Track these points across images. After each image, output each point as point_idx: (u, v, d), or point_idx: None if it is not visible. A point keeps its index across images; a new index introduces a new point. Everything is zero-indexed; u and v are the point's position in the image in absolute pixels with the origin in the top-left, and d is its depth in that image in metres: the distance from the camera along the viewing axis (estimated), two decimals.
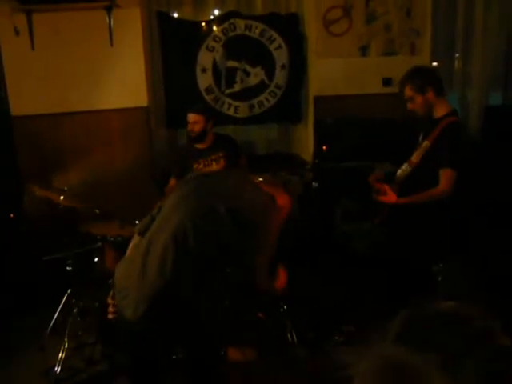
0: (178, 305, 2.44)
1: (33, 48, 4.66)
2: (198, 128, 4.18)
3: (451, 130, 3.22)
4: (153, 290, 2.39)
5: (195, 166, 4.25)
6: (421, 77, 3.33)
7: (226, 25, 5.18)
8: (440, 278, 3.48)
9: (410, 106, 3.38)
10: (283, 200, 2.86)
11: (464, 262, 3.97)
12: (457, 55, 5.40)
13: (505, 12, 5.24)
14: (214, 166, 4.26)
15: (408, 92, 3.34)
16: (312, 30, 5.21)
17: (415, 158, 3.37)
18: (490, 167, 4.58)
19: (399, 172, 3.46)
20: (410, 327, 0.97)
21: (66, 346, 3.51)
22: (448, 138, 3.21)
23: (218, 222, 2.39)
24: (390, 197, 3.29)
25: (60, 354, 3.46)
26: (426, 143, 3.33)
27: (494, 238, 4.29)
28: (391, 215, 3.43)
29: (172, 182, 4.23)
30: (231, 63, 5.27)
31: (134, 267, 2.48)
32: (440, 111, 3.32)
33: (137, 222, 3.13)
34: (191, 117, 4.20)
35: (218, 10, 5.24)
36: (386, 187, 3.31)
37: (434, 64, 5.36)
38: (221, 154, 4.30)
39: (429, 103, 3.31)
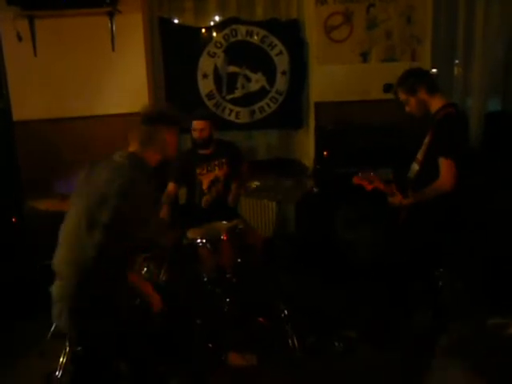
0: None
1: (35, 53, 4.69)
2: (205, 134, 4.17)
3: (445, 120, 3.28)
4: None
5: (198, 171, 4.25)
6: (409, 79, 3.41)
7: (227, 31, 5.21)
8: (441, 283, 3.49)
9: (407, 109, 3.45)
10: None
11: (464, 267, 3.98)
12: (457, 62, 5.42)
13: (505, 19, 5.26)
14: (217, 171, 4.27)
15: (401, 96, 3.43)
16: (313, 36, 5.24)
17: (420, 155, 3.45)
18: (490, 173, 4.59)
19: (410, 172, 3.51)
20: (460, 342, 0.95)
21: (68, 350, 3.51)
22: (442, 129, 3.27)
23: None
24: (396, 198, 3.31)
25: (61, 359, 3.46)
26: (427, 139, 3.40)
27: (492, 244, 4.29)
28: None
29: (170, 187, 4.21)
30: (232, 69, 5.30)
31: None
32: (435, 106, 3.37)
33: None
34: (198, 124, 4.19)
35: (219, 16, 5.28)
36: (393, 187, 3.33)
37: (434, 70, 5.38)
38: (224, 160, 4.30)
39: (422, 102, 3.37)
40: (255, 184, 4.34)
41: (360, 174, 3.42)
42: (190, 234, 3.90)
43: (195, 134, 4.21)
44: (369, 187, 3.36)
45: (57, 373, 3.41)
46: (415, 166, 3.48)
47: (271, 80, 5.37)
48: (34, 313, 4.05)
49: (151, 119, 2.85)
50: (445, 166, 3.19)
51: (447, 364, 0.89)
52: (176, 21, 5.24)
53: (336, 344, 3.72)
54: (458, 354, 0.91)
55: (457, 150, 3.21)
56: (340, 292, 4.35)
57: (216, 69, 5.27)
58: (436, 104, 3.37)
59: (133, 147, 2.77)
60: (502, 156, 4.89)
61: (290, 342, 3.63)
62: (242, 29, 5.23)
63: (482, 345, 0.89)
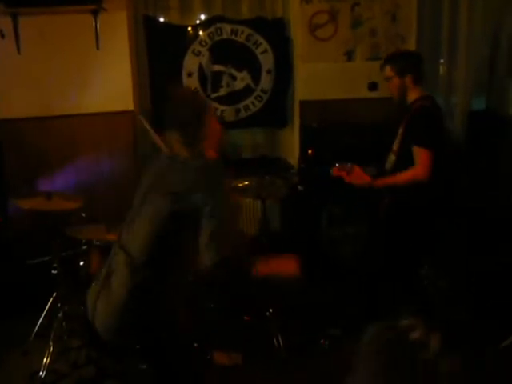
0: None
1: (19, 51, 4.64)
2: None
3: (420, 111, 3.33)
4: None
5: None
6: (404, 61, 3.45)
7: (212, 29, 5.19)
8: (426, 282, 3.52)
9: (388, 85, 3.52)
10: None
11: (449, 265, 4.01)
12: (441, 61, 5.45)
13: (489, 18, 5.30)
14: None
15: (388, 72, 3.47)
16: (298, 34, 5.23)
17: (395, 145, 3.50)
18: (473, 171, 4.63)
19: (387, 163, 3.55)
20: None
21: (51, 350, 3.50)
22: (416, 119, 3.32)
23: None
24: (363, 178, 3.36)
25: (45, 358, 3.45)
26: (401, 129, 3.46)
27: (475, 241, 4.33)
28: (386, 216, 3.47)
29: None
30: (217, 67, 5.28)
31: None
32: (412, 96, 3.42)
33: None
34: None
35: (205, 14, 5.25)
36: (356, 168, 3.37)
37: None
38: None
39: (404, 87, 3.42)
40: (244, 184, 4.32)
41: (337, 165, 3.45)
42: None
43: None
44: (348, 178, 3.40)
45: (40, 373, 3.41)
46: (392, 157, 3.52)
47: (256, 78, 5.36)
48: (18, 312, 4.04)
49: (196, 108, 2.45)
50: (419, 155, 3.22)
51: (358, 366, 0.94)
52: (161, 19, 5.21)
53: (321, 342, 3.73)
54: (365, 357, 0.96)
55: (431, 139, 3.25)
56: (325, 290, 4.37)
57: (201, 67, 5.25)
58: (414, 94, 3.42)
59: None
60: (485, 154, 4.92)
61: (275, 340, 3.64)
62: (227, 27, 5.21)
63: (383, 352, 0.93)
